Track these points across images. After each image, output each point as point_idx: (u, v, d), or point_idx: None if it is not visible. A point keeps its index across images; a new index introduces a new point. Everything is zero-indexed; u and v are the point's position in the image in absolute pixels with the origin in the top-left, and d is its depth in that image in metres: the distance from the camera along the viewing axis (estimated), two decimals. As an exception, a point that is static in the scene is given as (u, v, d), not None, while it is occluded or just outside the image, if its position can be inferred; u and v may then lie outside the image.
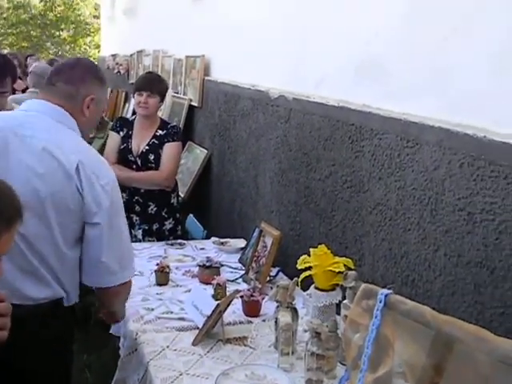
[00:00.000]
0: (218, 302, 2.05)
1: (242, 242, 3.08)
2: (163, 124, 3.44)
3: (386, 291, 0.99)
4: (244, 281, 2.60)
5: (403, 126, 1.95)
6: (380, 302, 0.97)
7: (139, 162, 3.33)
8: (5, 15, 20.58)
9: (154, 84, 3.39)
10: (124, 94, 7.37)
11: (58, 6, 20.32)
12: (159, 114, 4.48)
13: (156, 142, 3.34)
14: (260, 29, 3.25)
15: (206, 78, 4.19)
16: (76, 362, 3.20)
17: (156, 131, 3.37)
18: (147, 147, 3.34)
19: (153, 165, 3.33)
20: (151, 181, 3.32)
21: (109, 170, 1.84)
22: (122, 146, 3.38)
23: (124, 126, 3.45)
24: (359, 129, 2.22)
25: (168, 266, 2.57)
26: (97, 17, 17.83)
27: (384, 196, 2.07)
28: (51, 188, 1.71)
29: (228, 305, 2.07)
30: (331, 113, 2.41)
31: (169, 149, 3.33)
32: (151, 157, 3.32)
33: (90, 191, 1.73)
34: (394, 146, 2.01)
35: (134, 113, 3.74)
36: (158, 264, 2.58)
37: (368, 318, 1.05)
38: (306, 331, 1.81)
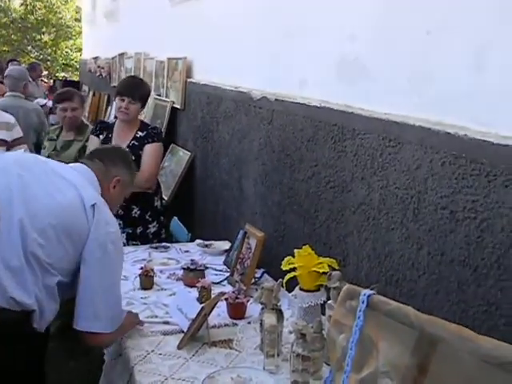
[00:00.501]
0: (203, 304, 2.04)
1: (226, 244, 3.07)
2: (143, 126, 3.42)
3: (368, 292, 0.98)
4: (229, 283, 2.59)
5: (385, 126, 1.95)
6: (362, 302, 0.97)
7: None
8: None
9: (135, 90, 3.36)
10: (106, 97, 7.33)
11: (39, 9, 20.14)
12: (141, 117, 4.46)
13: (136, 143, 3.32)
14: (241, 30, 3.25)
15: (189, 79, 4.18)
16: (62, 369, 3.19)
17: (136, 133, 3.35)
18: (127, 149, 3.32)
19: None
20: None
21: (116, 225, 2.00)
22: None
23: (104, 129, 3.44)
24: (341, 129, 2.22)
25: (152, 270, 2.55)
26: (78, 20, 17.71)
27: (367, 196, 2.07)
28: (65, 211, 1.85)
29: (213, 307, 2.06)
30: (313, 113, 2.41)
31: (149, 150, 3.31)
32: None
33: (96, 231, 1.86)
34: (376, 146, 2.01)
35: (116, 116, 3.72)
36: (142, 268, 2.56)
37: (352, 319, 1.05)
38: (291, 333, 1.81)
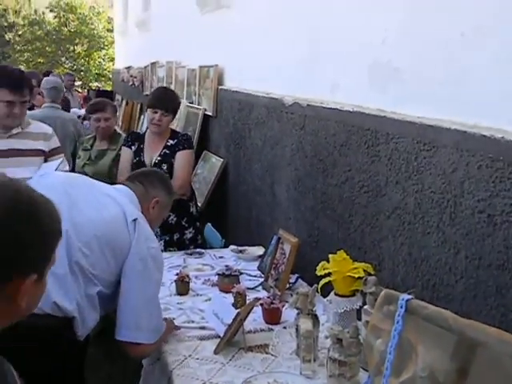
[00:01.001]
0: (239, 310, 2.05)
1: (260, 250, 3.08)
2: (173, 134, 3.48)
3: (406, 296, 0.98)
4: (263, 288, 2.60)
5: (419, 129, 1.94)
6: (401, 307, 0.97)
7: None
8: (20, 32, 20.89)
9: (169, 102, 3.41)
10: (139, 105, 7.44)
11: (72, 21, 20.58)
12: (173, 125, 4.52)
13: (167, 151, 3.37)
14: (272, 36, 3.27)
15: (220, 87, 4.22)
16: (99, 371, 3.25)
17: (167, 141, 3.40)
18: (159, 158, 3.37)
19: (167, 175, 3.35)
20: None
21: (156, 242, 2.07)
22: (135, 160, 3.43)
23: (135, 140, 3.50)
24: (375, 133, 2.22)
25: (188, 276, 2.58)
26: (110, 30, 18.03)
27: (402, 200, 2.06)
28: (107, 226, 1.93)
29: (248, 313, 2.08)
30: (346, 118, 2.41)
31: (181, 157, 3.36)
32: (164, 167, 3.34)
33: (137, 246, 1.93)
34: (410, 150, 2.00)
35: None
36: (177, 274, 2.59)
37: (389, 324, 1.05)
38: (327, 338, 1.81)
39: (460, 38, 1.80)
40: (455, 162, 1.78)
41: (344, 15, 2.49)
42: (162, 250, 3.32)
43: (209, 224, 3.84)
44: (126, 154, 3.47)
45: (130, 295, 1.92)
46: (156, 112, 3.36)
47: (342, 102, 2.47)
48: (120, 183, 2.28)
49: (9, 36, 21.12)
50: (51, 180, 2.09)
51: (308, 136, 2.76)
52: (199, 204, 4.06)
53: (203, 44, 4.74)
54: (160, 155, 3.37)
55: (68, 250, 1.84)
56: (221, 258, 3.09)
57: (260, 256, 2.99)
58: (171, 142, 3.40)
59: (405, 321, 0.96)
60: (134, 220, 1.97)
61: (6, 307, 0.97)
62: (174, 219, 3.36)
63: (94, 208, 1.96)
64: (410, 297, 0.99)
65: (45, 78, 5.48)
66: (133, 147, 3.46)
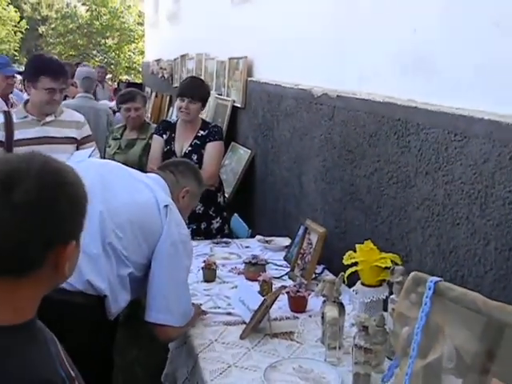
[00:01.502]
0: (265, 297, 2.07)
1: (286, 241, 3.09)
2: (204, 124, 3.50)
3: (435, 278, 0.98)
4: (290, 278, 2.61)
5: (451, 120, 1.93)
6: (429, 289, 0.97)
7: None
8: (53, 25, 21.21)
9: (195, 90, 3.44)
10: (168, 98, 7.49)
11: (104, 14, 20.82)
12: (202, 114, 4.54)
13: (198, 142, 3.40)
14: (301, 27, 3.27)
15: (249, 78, 4.23)
16: (126, 357, 3.30)
17: (198, 132, 3.43)
18: (190, 148, 3.40)
19: (196, 165, 3.38)
20: None
21: (186, 228, 2.09)
22: (166, 149, 3.46)
23: (167, 129, 3.53)
24: (405, 124, 2.20)
25: (215, 263, 2.61)
26: (141, 24, 18.19)
27: (431, 191, 2.05)
28: (141, 212, 1.96)
29: (274, 300, 2.09)
30: (376, 109, 2.40)
31: (211, 148, 3.38)
32: (194, 157, 3.37)
33: (169, 231, 1.95)
34: (441, 140, 1.99)
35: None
36: (204, 261, 2.62)
37: (416, 312, 1.05)
38: (353, 325, 1.81)
39: (493, 27, 1.78)
40: (487, 152, 1.76)
41: (374, 5, 2.48)
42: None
43: (236, 214, 3.86)
44: (157, 142, 3.51)
45: (161, 279, 1.95)
46: (183, 100, 3.39)
47: (372, 92, 2.46)
48: (150, 172, 2.31)
49: (42, 29, 21.47)
50: (86, 164, 2.14)
51: (337, 127, 2.76)
52: (226, 195, 4.09)
53: (233, 36, 4.75)
54: (190, 145, 3.40)
55: (102, 231, 1.88)
56: (247, 247, 3.11)
57: (286, 246, 3.00)
58: (202, 132, 3.43)
59: (432, 303, 0.96)
60: (166, 206, 1.99)
61: (50, 274, 1.01)
62: (202, 209, 3.39)
63: (127, 192, 2.00)
64: (438, 279, 0.98)
65: (78, 69, 5.55)
66: (164, 136, 3.49)
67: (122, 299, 1.94)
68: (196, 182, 2.33)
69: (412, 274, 1.08)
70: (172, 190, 2.19)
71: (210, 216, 3.42)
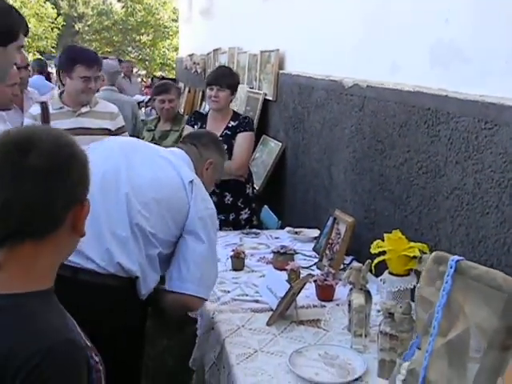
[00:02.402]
0: (292, 284, 2.08)
1: (315, 232, 3.10)
2: (235, 115, 3.51)
3: (456, 257, 0.98)
4: (318, 268, 2.61)
5: (481, 108, 1.91)
6: (451, 267, 0.97)
7: None
8: (89, 22, 21.56)
9: (223, 78, 3.46)
10: (201, 92, 7.55)
11: (139, 11, 21.06)
12: (233, 107, 4.56)
13: (229, 132, 3.42)
14: (331, 18, 3.26)
15: (281, 71, 4.23)
16: (156, 346, 3.36)
17: (228, 123, 3.45)
18: (220, 139, 3.41)
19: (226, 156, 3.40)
20: (224, 170, 3.39)
21: (212, 204, 2.07)
22: None
23: (198, 119, 3.56)
24: (435, 113, 2.19)
25: (243, 252, 2.64)
26: (175, 20, 18.35)
27: (461, 180, 2.03)
28: (165, 189, 1.96)
29: (301, 287, 2.10)
30: (406, 98, 2.39)
31: (241, 139, 3.40)
32: (224, 147, 3.39)
33: (196, 207, 1.96)
34: (471, 129, 1.97)
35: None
36: (233, 250, 2.65)
37: (438, 291, 1.05)
38: (379, 311, 1.81)
39: (527, 13, 1.75)
40: (517, 139, 1.74)
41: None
42: (218, 230, 3.40)
43: (265, 206, 3.88)
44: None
45: (195, 252, 1.95)
46: (212, 89, 3.42)
47: (403, 82, 2.45)
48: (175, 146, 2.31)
49: (78, 26, 21.85)
50: (110, 144, 2.15)
51: (367, 117, 2.75)
52: (256, 187, 4.12)
53: (264, 29, 4.76)
54: (221, 136, 3.42)
55: (129, 213, 1.89)
56: (276, 238, 3.12)
57: (315, 238, 3.00)
58: (232, 123, 3.45)
59: (454, 281, 0.96)
60: (191, 181, 1.99)
61: (68, 236, 1.05)
62: (230, 199, 3.42)
63: (151, 170, 1.99)
64: (460, 258, 0.98)
65: (105, 61, 5.63)
66: (195, 126, 3.52)
67: (151, 280, 1.95)
68: (219, 153, 2.33)
69: (434, 253, 1.08)
70: (196, 163, 2.18)
71: (238, 207, 3.44)
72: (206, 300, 2.04)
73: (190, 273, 1.94)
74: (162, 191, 1.96)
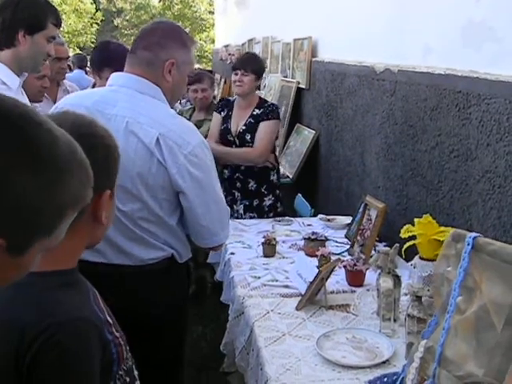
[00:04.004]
0: (321, 268, 2.09)
1: (348, 219, 3.08)
2: (261, 103, 3.50)
3: (474, 234, 0.98)
4: (349, 254, 2.61)
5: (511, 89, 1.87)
6: (468, 244, 0.96)
7: (237, 142, 3.44)
8: (127, 17, 21.85)
9: (247, 63, 3.47)
10: (236, 83, 7.56)
11: (176, 4, 21.23)
12: (268, 97, 4.57)
13: (252, 121, 3.42)
14: (361, 4, 3.23)
15: (313, 59, 4.22)
16: (192, 334, 3.42)
17: (253, 110, 3.45)
18: (244, 127, 3.43)
19: (250, 144, 3.41)
20: (245, 157, 3.40)
21: (193, 136, 1.80)
22: (223, 127, 3.51)
23: (225, 106, 3.57)
24: (466, 95, 2.15)
25: (274, 239, 2.65)
26: (212, 12, 18.41)
27: (492, 163, 1.99)
28: (137, 166, 1.74)
29: (331, 272, 2.11)
30: (437, 81, 2.35)
31: (263, 126, 3.39)
32: (248, 136, 3.40)
33: (174, 163, 1.74)
34: (502, 111, 1.93)
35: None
36: (264, 237, 2.67)
37: (455, 270, 1.04)
38: (406, 295, 1.80)
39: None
40: (549, 119, 1.70)
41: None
42: (242, 214, 3.40)
43: (299, 195, 3.89)
44: (216, 119, 3.56)
45: (210, 206, 1.83)
46: (236, 74, 3.43)
47: (434, 65, 2.41)
48: (126, 71, 1.89)
49: (117, 21, 22.16)
50: None
51: (398, 102, 2.72)
52: (290, 175, 4.12)
53: (297, 17, 4.75)
54: (245, 124, 3.43)
55: (127, 213, 1.80)
56: (309, 225, 3.13)
57: (348, 225, 2.99)
58: (257, 111, 3.44)
59: (471, 258, 0.95)
60: (157, 140, 1.73)
61: (90, 227, 1.08)
62: (254, 186, 3.43)
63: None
64: (477, 235, 0.97)
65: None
66: (222, 113, 3.54)
67: (182, 249, 1.93)
68: (179, 46, 1.87)
69: (452, 230, 1.08)
70: (153, 73, 1.83)
71: (262, 193, 3.45)
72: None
73: (208, 227, 1.85)
74: (134, 175, 1.75)
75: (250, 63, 3.48)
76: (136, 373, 1.15)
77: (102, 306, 1.08)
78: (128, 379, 1.09)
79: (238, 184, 3.44)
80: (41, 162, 0.72)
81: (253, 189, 3.44)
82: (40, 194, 0.71)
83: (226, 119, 3.52)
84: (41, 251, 0.77)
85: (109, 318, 1.06)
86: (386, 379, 1.22)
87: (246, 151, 3.42)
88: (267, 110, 3.44)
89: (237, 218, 3.36)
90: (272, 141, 3.47)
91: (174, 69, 1.86)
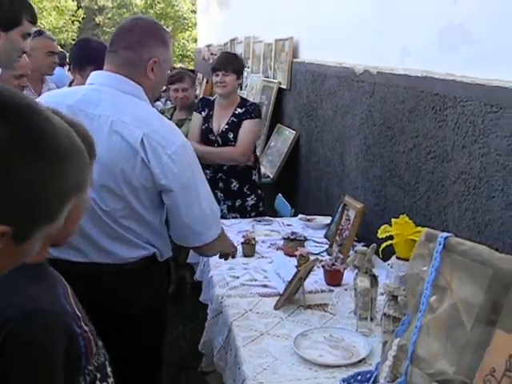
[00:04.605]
0: (299, 268, 2.10)
1: (328, 219, 3.10)
2: (242, 102, 3.51)
3: (446, 234, 1.00)
4: (328, 254, 2.63)
5: (487, 91, 1.90)
6: (439, 244, 0.98)
7: (220, 141, 3.44)
8: (109, 15, 21.70)
9: (227, 63, 3.47)
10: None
11: (158, 3, 21.13)
12: (249, 97, 4.58)
13: (235, 120, 3.43)
14: (342, 6, 3.26)
15: (295, 59, 4.24)
16: (172, 332, 3.41)
17: (235, 110, 3.46)
18: (226, 126, 3.44)
19: (233, 143, 3.42)
20: (227, 156, 3.41)
21: (176, 136, 1.80)
22: (204, 126, 3.50)
23: (206, 106, 3.57)
24: (443, 98, 2.18)
25: (254, 239, 2.66)
26: (194, 11, 18.36)
27: (467, 164, 2.03)
28: (120, 166, 1.74)
29: (309, 272, 2.12)
30: (415, 83, 2.38)
31: (246, 125, 3.40)
32: (230, 135, 3.41)
33: (157, 163, 1.73)
34: (477, 113, 1.96)
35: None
36: (244, 236, 2.68)
37: (428, 269, 1.06)
38: (382, 294, 1.83)
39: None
40: (522, 122, 1.73)
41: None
42: (225, 214, 3.40)
43: (280, 195, 3.90)
44: (197, 119, 3.56)
45: (193, 206, 1.81)
46: (217, 74, 3.43)
47: (412, 67, 2.44)
48: (107, 69, 1.87)
49: (98, 19, 21.99)
50: None
51: (377, 104, 2.75)
52: (271, 175, 4.14)
53: (279, 18, 4.76)
54: (227, 123, 3.44)
55: (110, 215, 1.80)
56: (289, 225, 3.14)
57: (327, 225, 3.02)
58: (239, 110, 3.45)
59: (442, 258, 0.97)
60: (142, 140, 1.72)
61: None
62: (237, 186, 3.45)
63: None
64: (449, 234, 1.00)
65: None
66: (203, 113, 3.54)
67: (164, 248, 1.94)
68: (160, 44, 1.87)
69: (425, 230, 1.10)
70: (136, 72, 1.83)
71: (244, 193, 3.47)
72: (218, 238, 1.94)
73: (194, 226, 1.84)
74: (119, 177, 1.75)
75: (230, 63, 3.48)
76: (109, 369, 1.15)
77: (71, 301, 1.08)
78: (99, 375, 1.09)
79: (221, 184, 3.44)
80: (43, 150, 0.73)
81: (235, 189, 3.45)
82: (44, 181, 0.73)
83: (207, 119, 3.52)
84: (41, 238, 0.78)
85: (78, 312, 1.07)
86: (359, 377, 1.24)
87: (228, 150, 3.42)
88: (250, 109, 3.45)
89: (222, 217, 3.37)
90: (254, 139, 3.49)
91: (156, 67, 1.86)
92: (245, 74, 3.95)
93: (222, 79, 3.41)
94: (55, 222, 0.78)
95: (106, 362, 1.14)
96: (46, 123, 0.75)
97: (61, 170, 0.75)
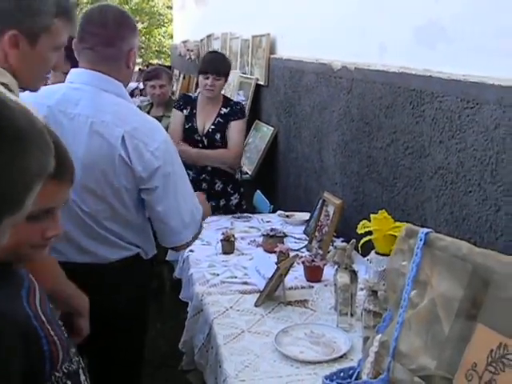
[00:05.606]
0: (279, 265, 2.10)
1: (307, 215, 3.11)
2: (226, 101, 3.48)
3: (426, 230, 1.00)
4: (307, 250, 2.64)
5: (463, 87, 1.92)
6: (420, 240, 0.99)
7: (205, 142, 3.40)
8: (84, 10, 21.38)
9: (219, 66, 3.38)
10: (195, 79, 7.51)
11: (133, -2, 20.88)
12: (227, 93, 4.55)
13: (221, 120, 3.40)
14: (320, 2, 3.25)
15: (272, 56, 4.23)
16: (151, 330, 3.39)
17: (220, 109, 3.42)
18: (213, 126, 3.40)
19: (219, 144, 3.38)
20: (221, 159, 3.37)
21: (158, 133, 1.78)
22: (187, 126, 3.43)
23: (187, 103, 3.49)
24: (420, 93, 2.20)
25: (233, 236, 2.66)
26: (170, 7, 18.21)
27: (445, 159, 2.05)
28: (101, 167, 1.72)
29: (289, 268, 2.13)
30: (392, 79, 2.40)
31: (235, 126, 3.38)
32: (217, 136, 3.38)
33: (139, 161, 1.72)
34: (454, 108, 1.98)
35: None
36: (223, 234, 2.67)
37: (408, 264, 1.07)
38: (362, 289, 1.84)
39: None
40: (498, 118, 1.75)
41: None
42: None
43: (258, 191, 3.90)
44: (178, 117, 3.47)
45: (171, 204, 1.80)
46: (208, 78, 3.33)
47: (389, 63, 2.45)
48: (86, 67, 1.83)
49: (73, 14, 21.63)
50: None
51: (355, 100, 2.76)
52: (249, 172, 4.13)
53: (256, 14, 4.75)
54: (213, 124, 3.40)
55: (94, 216, 1.80)
56: (268, 222, 3.14)
57: (306, 221, 3.02)
58: (224, 110, 3.42)
59: (423, 253, 0.98)
60: (122, 137, 1.71)
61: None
62: (221, 186, 3.43)
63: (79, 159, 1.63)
64: (429, 230, 1.00)
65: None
66: (184, 111, 3.47)
67: (148, 247, 1.93)
68: (134, 33, 1.86)
69: (405, 226, 1.10)
70: (117, 67, 1.82)
71: (228, 193, 3.45)
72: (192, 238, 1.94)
73: (173, 225, 1.83)
74: (100, 180, 1.75)
75: (222, 67, 3.40)
76: (83, 378, 1.11)
77: (35, 302, 1.04)
78: (69, 383, 1.06)
79: (204, 185, 3.39)
80: (1, 135, 0.68)
81: (219, 189, 3.43)
82: (5, 168, 0.68)
83: (191, 118, 3.44)
84: (7, 229, 0.74)
85: (42, 316, 1.03)
86: (342, 374, 1.24)
87: (222, 153, 3.37)
88: (235, 109, 3.42)
89: None
90: (244, 140, 3.48)
91: (133, 55, 1.86)
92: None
93: (212, 83, 3.33)
94: (21, 211, 0.72)
95: (80, 371, 1.11)
96: (2, 106, 0.69)
97: (23, 154, 0.70)
